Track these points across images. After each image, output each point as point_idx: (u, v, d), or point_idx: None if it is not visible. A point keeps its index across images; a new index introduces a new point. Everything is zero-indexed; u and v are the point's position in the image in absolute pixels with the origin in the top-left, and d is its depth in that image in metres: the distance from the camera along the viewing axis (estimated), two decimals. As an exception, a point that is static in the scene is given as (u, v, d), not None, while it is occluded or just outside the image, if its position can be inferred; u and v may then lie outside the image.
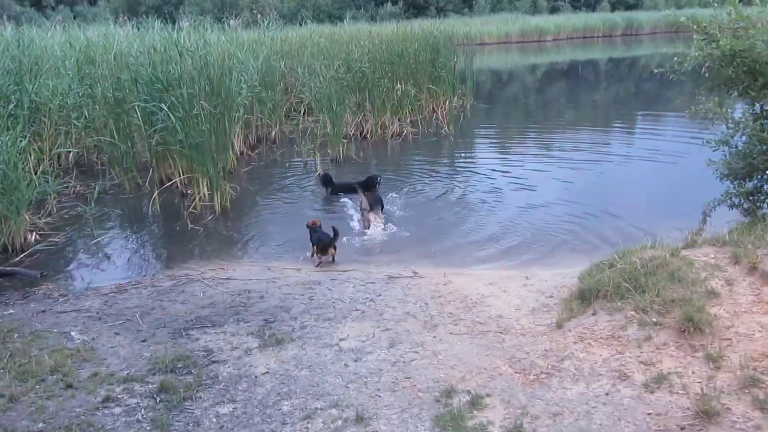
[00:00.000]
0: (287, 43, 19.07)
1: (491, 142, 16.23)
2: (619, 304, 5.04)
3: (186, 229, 9.31)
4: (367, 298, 6.36)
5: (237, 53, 14.01)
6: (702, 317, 4.39)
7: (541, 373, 4.51)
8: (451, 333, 5.39)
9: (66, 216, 9.91)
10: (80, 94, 12.71)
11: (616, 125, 18.40)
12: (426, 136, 15.72)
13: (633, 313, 4.86)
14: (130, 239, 9.32)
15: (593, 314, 5.12)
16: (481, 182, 11.27)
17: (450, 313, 5.88)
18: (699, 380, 4.03)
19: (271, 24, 19.78)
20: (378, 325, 5.68)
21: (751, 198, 6.99)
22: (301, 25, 25.62)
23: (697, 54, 6.79)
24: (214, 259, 8.19)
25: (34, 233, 8.93)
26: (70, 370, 5.05)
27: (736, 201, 7.04)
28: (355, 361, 4.98)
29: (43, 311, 6.49)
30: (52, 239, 8.90)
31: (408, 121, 16.15)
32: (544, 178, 11.32)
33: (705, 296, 4.67)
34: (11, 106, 10.47)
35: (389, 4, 60.56)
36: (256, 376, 4.87)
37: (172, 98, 9.96)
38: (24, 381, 4.89)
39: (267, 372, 4.90)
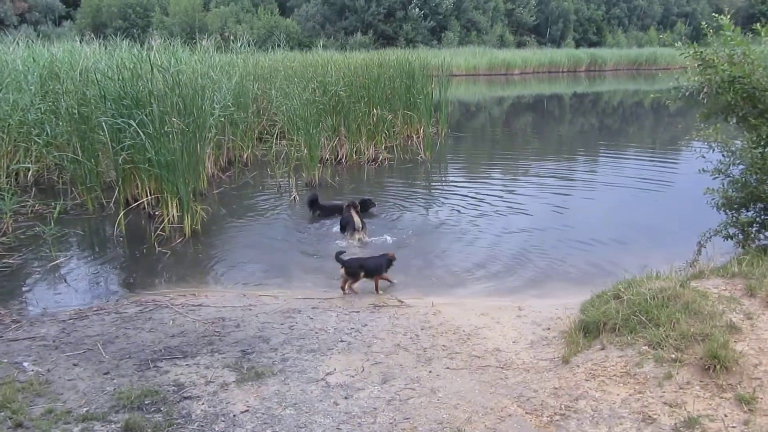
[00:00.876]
0: (259, 67, 18.70)
1: (468, 169, 15.96)
2: (629, 338, 4.69)
3: (153, 252, 8.74)
4: (352, 329, 5.90)
5: (210, 72, 13.55)
6: (727, 354, 4.05)
7: (555, 414, 4.10)
8: (447, 368, 4.97)
9: (22, 236, 9.25)
10: (42, 110, 12.11)
11: (581, 155, 18.48)
12: (402, 162, 15.42)
13: (647, 348, 4.51)
14: (93, 262, 8.66)
15: (601, 349, 4.75)
16: (462, 209, 10.93)
17: (443, 345, 5.46)
18: (734, 425, 3.68)
19: (243, 47, 19.38)
20: (367, 358, 5.22)
21: (747, 229, 6.80)
22: (273, 50, 25.29)
23: (695, 80, 6.61)
24: (185, 284, 7.66)
25: (-13, 254, 8.29)
26: (21, 407, 4.46)
27: (732, 231, 6.84)
28: (346, 398, 4.50)
29: (-7, 339, 5.87)
30: (5, 260, 8.26)
31: (383, 146, 15.87)
32: (523, 205, 11.12)
33: (726, 331, 4.35)
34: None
35: (359, 33, 60.95)
36: (234, 415, 4.35)
37: (143, 115, 9.44)
38: (-34, 419, 4.30)
39: (247, 410, 4.39)
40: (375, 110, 15.63)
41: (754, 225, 6.77)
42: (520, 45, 69.63)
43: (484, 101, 36.36)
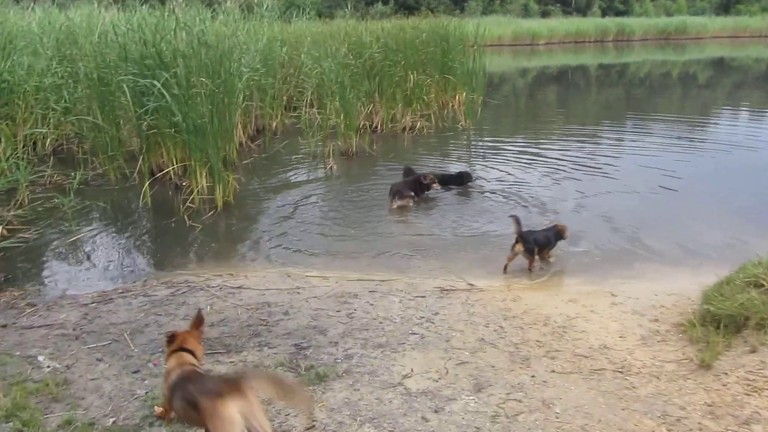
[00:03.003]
0: (285, 32, 17.67)
1: (515, 138, 14.62)
2: (789, 337, 3.73)
3: (183, 226, 7.87)
4: (422, 318, 4.99)
5: (237, 33, 12.58)
6: None
7: (725, 441, 3.17)
8: (552, 371, 4.04)
9: (40, 209, 8.43)
10: (60, 75, 11.26)
11: (633, 120, 17.15)
12: (441, 130, 14.38)
13: (821, 351, 3.55)
14: (116, 237, 7.79)
15: (752, 351, 3.81)
16: (518, 180, 9.87)
17: (537, 340, 4.53)
18: None
19: (267, 10, 18.33)
20: (448, 355, 4.31)
21: None
22: (297, 16, 24.18)
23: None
24: (220, 262, 6.78)
25: (1, 228, 7.49)
26: (33, 417, 3.62)
27: None
28: (435, 412, 3.59)
29: (4, 326, 5.06)
30: (21, 235, 7.45)
31: (419, 114, 14.84)
32: (587, 177, 9.98)
33: None
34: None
35: (380, 3, 59.29)
36: (297, 432, 3.48)
37: (167, 76, 8.52)
38: (-33, 432, 3.48)
39: (312, 426, 3.50)
40: (411, 74, 14.59)
41: None
42: (544, 14, 67.50)
43: (512, 72, 34.91)
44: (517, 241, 6.21)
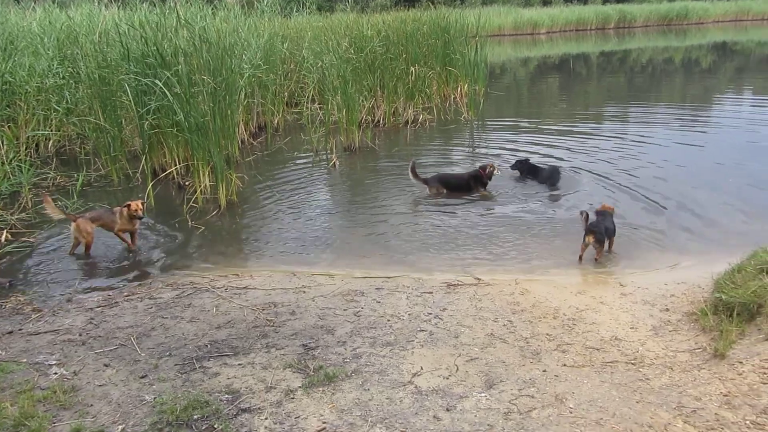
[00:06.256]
0: (285, 27, 17.58)
1: (518, 129, 14.45)
2: (804, 326, 3.67)
3: (186, 227, 7.84)
4: (430, 314, 4.95)
5: (238, 29, 12.51)
6: None
7: (743, 435, 3.12)
8: (564, 365, 3.99)
9: (44, 212, 8.39)
10: (61, 75, 11.22)
11: (636, 111, 16.99)
12: (443, 123, 14.30)
13: (835, 339, 3.49)
14: (120, 240, 7.76)
15: (766, 339, 3.75)
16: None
17: (548, 334, 4.48)
18: None
19: (268, 5, 18.24)
20: (457, 352, 4.27)
21: None
22: (298, 11, 24.06)
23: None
24: (225, 263, 6.75)
25: (5, 231, 7.49)
26: (42, 425, 3.60)
27: None
28: (447, 410, 3.55)
29: (10, 332, 5.03)
30: (26, 239, 7.44)
31: (421, 107, 14.76)
32: (591, 167, 9.88)
33: None
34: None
35: (379, -5, 59.01)
36: (308, 435, 3.44)
37: (169, 74, 8.46)
38: (-26, 443, 3.46)
39: (323, 428, 3.46)
40: (413, 68, 14.50)
41: None
42: (545, 3, 67.03)
43: (513, 62, 34.65)
44: (588, 235, 6.17)
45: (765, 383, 3.43)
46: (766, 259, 4.37)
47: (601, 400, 3.53)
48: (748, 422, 3.19)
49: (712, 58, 31.28)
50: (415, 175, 8.87)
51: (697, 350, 4.02)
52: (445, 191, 8.85)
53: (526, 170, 9.44)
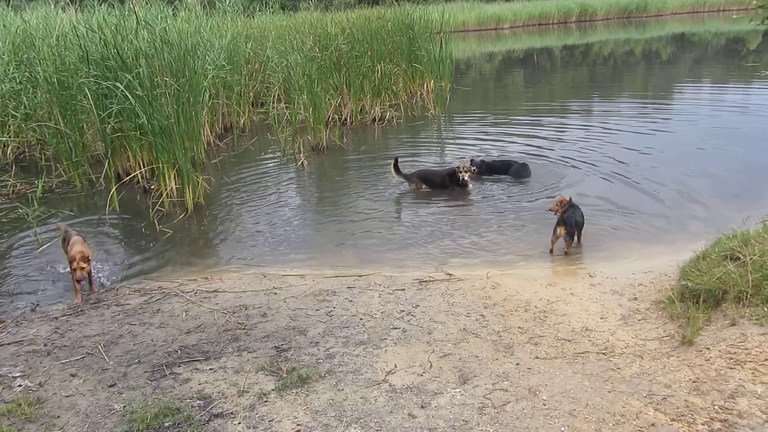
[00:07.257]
0: (249, 27, 17.41)
1: (485, 124, 14.55)
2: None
3: (153, 230, 7.71)
4: (402, 311, 4.94)
5: (200, 29, 12.35)
6: None
7: (712, 419, 3.16)
8: (536, 357, 4.02)
9: (3, 220, 8.20)
10: (18, 80, 10.94)
11: (599, 102, 17.24)
12: (411, 119, 14.32)
13: (800, 323, 3.57)
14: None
15: (732, 324, 3.82)
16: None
17: (520, 327, 4.51)
18: None
19: (230, 4, 18.06)
20: (431, 348, 4.26)
21: None
22: (261, 11, 23.85)
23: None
24: (193, 267, 6.64)
25: (-37, 242, 7.26)
26: (8, 439, 3.50)
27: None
28: (422, 407, 3.54)
29: (-28, 345, 4.88)
30: (-15, 249, 7.24)
31: (388, 105, 14.75)
32: (556, 159, 9.98)
33: None
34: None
35: (344, -7, 58.88)
36: (282, 438, 3.40)
37: (130, 77, 8.30)
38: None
39: (298, 430, 3.43)
40: (379, 65, 14.48)
41: None
42: (508, -2, 67.62)
43: (478, 57, 34.88)
44: (560, 227, 6.20)
45: (732, 368, 3.49)
46: (729, 246, 4.46)
47: (573, 391, 3.56)
48: (716, 407, 3.24)
49: (671, 50, 31.84)
50: (398, 171, 8.93)
51: (665, 338, 4.08)
52: (424, 187, 8.88)
53: (486, 169, 9.43)
